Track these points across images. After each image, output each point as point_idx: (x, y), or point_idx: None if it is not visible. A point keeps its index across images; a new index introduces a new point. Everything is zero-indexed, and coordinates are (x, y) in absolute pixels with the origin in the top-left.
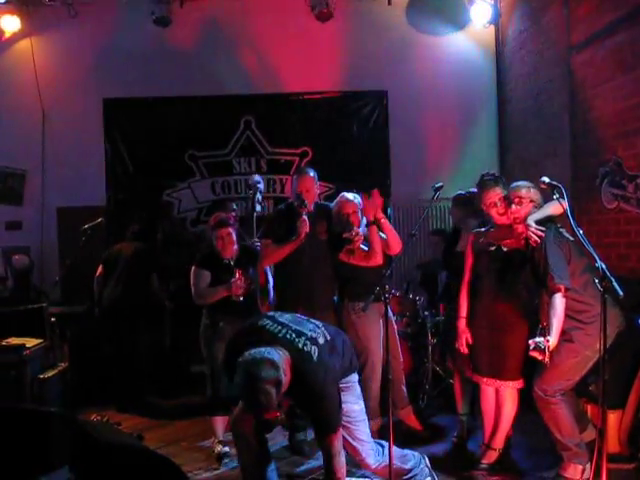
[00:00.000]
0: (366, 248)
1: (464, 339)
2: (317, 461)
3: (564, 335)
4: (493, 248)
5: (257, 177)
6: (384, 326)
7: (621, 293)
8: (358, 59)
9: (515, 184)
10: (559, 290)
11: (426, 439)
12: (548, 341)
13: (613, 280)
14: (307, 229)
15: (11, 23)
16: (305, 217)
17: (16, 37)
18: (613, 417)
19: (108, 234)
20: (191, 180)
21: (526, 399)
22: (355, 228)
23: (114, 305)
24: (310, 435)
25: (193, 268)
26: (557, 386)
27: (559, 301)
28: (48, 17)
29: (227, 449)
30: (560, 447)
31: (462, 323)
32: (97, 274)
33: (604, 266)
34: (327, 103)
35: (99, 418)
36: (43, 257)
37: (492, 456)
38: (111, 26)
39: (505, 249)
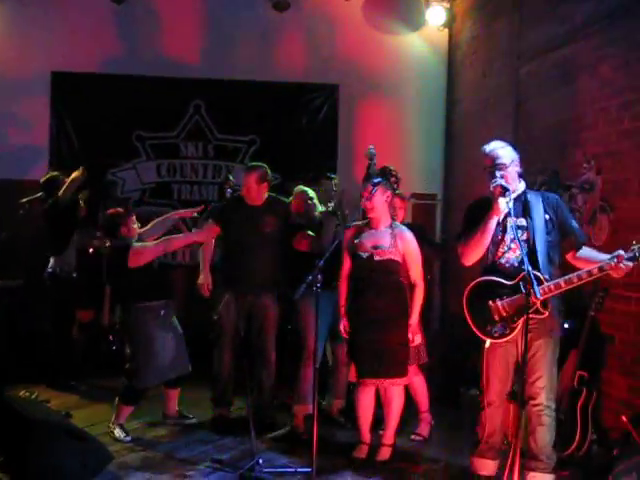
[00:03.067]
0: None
1: (342, 326)
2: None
3: None
4: (365, 256)
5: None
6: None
7: (539, 295)
8: (312, 51)
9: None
10: None
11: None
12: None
13: (535, 282)
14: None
15: None
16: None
17: None
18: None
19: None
20: (137, 161)
21: (451, 396)
22: None
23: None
24: None
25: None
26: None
27: None
28: None
29: (128, 438)
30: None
31: (342, 311)
32: None
33: (530, 268)
34: (278, 93)
35: (27, 395)
36: None
37: (386, 452)
38: None
39: (377, 258)
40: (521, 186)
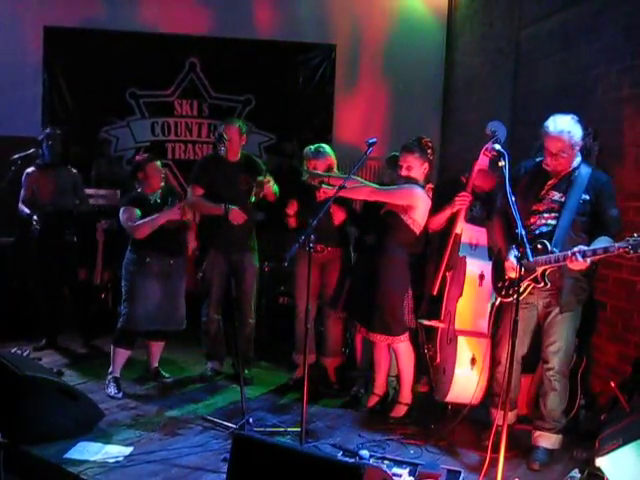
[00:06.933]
0: None
1: None
2: (234, 405)
3: None
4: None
5: (496, 124)
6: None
7: (532, 260)
8: (310, 10)
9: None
10: None
11: (336, 391)
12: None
13: (528, 247)
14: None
15: None
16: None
17: None
18: (524, 381)
19: None
20: (130, 119)
21: None
22: None
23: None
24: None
25: (122, 209)
26: None
27: None
28: None
29: (119, 394)
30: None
31: None
32: None
33: (524, 233)
34: (275, 52)
35: (19, 352)
36: None
37: (400, 410)
38: None
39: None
40: (575, 162)
